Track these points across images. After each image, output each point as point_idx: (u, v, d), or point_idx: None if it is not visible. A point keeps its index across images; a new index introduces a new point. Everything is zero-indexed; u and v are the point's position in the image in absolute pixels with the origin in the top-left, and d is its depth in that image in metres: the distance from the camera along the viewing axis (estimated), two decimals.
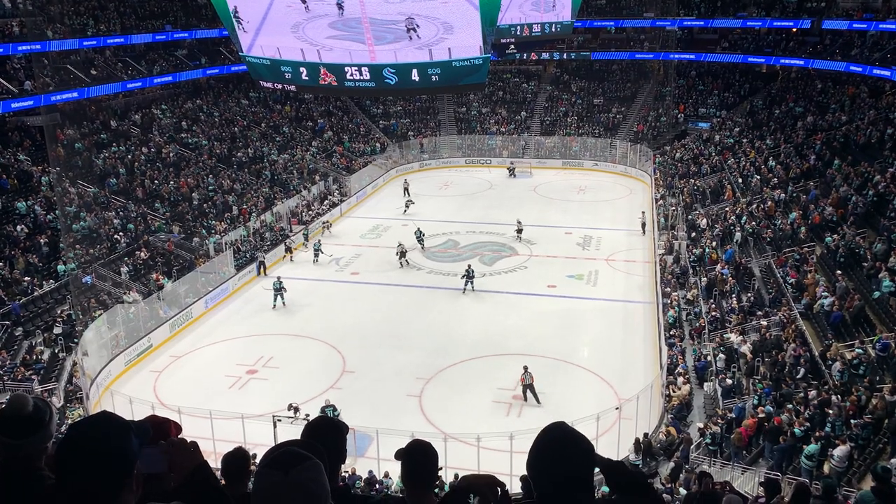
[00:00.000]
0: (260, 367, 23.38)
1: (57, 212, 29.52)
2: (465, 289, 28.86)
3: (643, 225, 35.64)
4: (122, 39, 40.30)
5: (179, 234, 32.20)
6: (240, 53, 14.78)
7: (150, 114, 41.64)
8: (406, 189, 42.43)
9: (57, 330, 23.85)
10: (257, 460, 15.43)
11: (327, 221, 38.13)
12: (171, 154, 38.65)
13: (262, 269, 31.76)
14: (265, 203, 37.59)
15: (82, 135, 36.09)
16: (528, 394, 20.84)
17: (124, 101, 41.70)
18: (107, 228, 30.39)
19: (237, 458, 3.07)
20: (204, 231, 32.79)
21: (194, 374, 23.31)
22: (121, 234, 30.34)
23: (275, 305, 27.87)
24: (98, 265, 28.05)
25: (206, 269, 29.55)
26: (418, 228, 33.97)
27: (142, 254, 29.59)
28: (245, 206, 36.23)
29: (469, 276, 28.84)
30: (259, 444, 16.79)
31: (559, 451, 2.15)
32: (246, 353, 24.34)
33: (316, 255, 32.84)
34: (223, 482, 3.06)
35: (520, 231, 34.82)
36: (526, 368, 20.89)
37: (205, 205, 35.34)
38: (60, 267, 26.95)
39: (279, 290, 27.93)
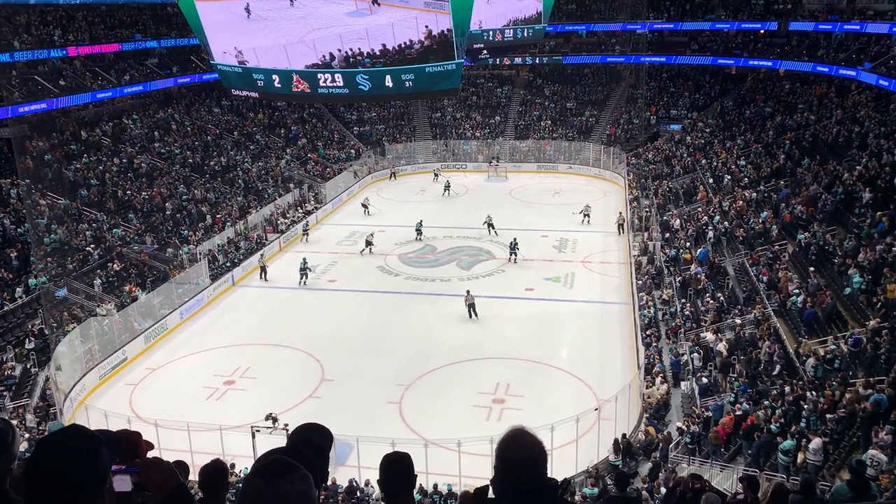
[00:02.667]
0: (237, 378, 23.17)
1: (27, 225, 29.06)
2: (513, 259, 32.18)
3: (620, 226, 35.87)
4: (92, 49, 39.82)
5: (153, 245, 31.85)
6: (211, 62, 14.70)
7: (121, 124, 41.18)
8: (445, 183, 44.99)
9: (29, 345, 23.46)
10: (236, 470, 15.21)
11: (366, 198, 42.46)
12: (144, 164, 38.24)
13: (263, 274, 31.81)
14: (239, 212, 37.31)
15: (52, 146, 35.59)
16: (471, 311, 26.34)
17: (94, 111, 41.20)
18: (79, 240, 29.97)
19: (214, 471, 3.03)
20: (178, 241, 32.45)
21: (170, 387, 23.03)
22: (92, 246, 29.93)
23: (304, 282, 30.69)
24: (70, 278, 27.65)
25: (181, 280, 29.24)
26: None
27: (115, 265, 29.21)
28: (219, 216, 35.93)
29: (513, 247, 32.12)
30: (238, 456, 16.66)
31: (519, 457, 2.29)
32: (223, 364, 24.10)
33: (419, 234, 36.04)
34: (200, 495, 3.03)
35: (491, 225, 36.00)
36: (468, 291, 26.86)
37: (178, 215, 35.00)
38: (32, 281, 26.50)
39: (305, 269, 30.62)
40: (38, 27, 37.88)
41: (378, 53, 13.74)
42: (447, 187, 44.21)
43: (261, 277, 31.80)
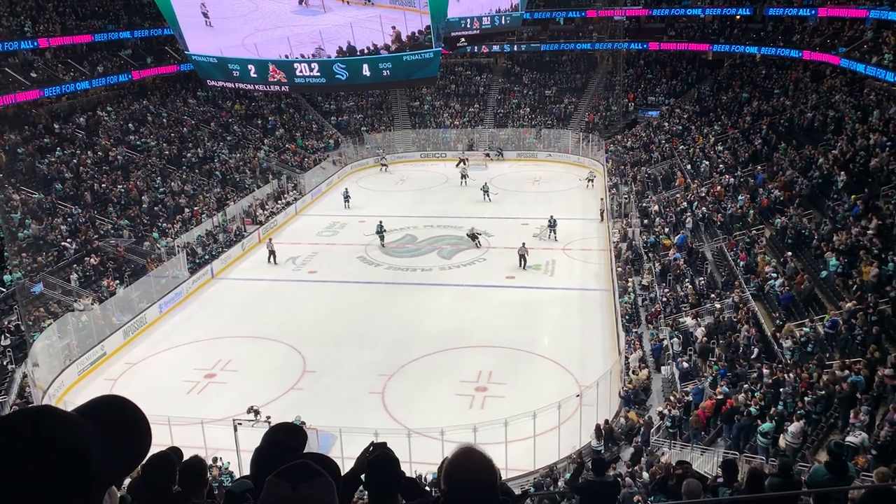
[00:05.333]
0: (218, 371, 23.02)
1: (0, 220, 28.59)
2: (551, 236, 33.25)
3: (602, 212, 35.99)
4: (63, 40, 39.15)
5: (129, 239, 31.47)
6: (185, 52, 14.48)
7: (95, 116, 40.56)
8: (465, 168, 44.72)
9: (4, 341, 23.12)
10: (218, 464, 15.11)
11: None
12: (119, 157, 37.73)
13: (273, 258, 32.13)
14: (217, 204, 36.96)
15: (24, 139, 34.99)
16: (522, 261, 29.83)
17: (68, 103, 40.53)
18: (54, 235, 29.55)
19: (193, 467, 3.00)
20: (156, 234, 32.10)
21: (151, 381, 22.81)
22: (69, 240, 29.53)
23: (383, 244, 33.34)
24: (46, 273, 27.27)
25: (159, 273, 28.95)
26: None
27: (91, 260, 28.85)
28: (197, 208, 35.57)
29: (552, 225, 33.22)
30: (220, 449, 16.59)
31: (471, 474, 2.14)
32: (203, 357, 23.93)
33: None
34: (179, 489, 2.99)
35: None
36: (524, 244, 30.37)
37: (156, 207, 34.60)
38: (6, 276, 26.12)
39: (381, 232, 33.25)
40: (7, 18, 37.16)
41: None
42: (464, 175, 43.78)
43: (269, 261, 32.16)
